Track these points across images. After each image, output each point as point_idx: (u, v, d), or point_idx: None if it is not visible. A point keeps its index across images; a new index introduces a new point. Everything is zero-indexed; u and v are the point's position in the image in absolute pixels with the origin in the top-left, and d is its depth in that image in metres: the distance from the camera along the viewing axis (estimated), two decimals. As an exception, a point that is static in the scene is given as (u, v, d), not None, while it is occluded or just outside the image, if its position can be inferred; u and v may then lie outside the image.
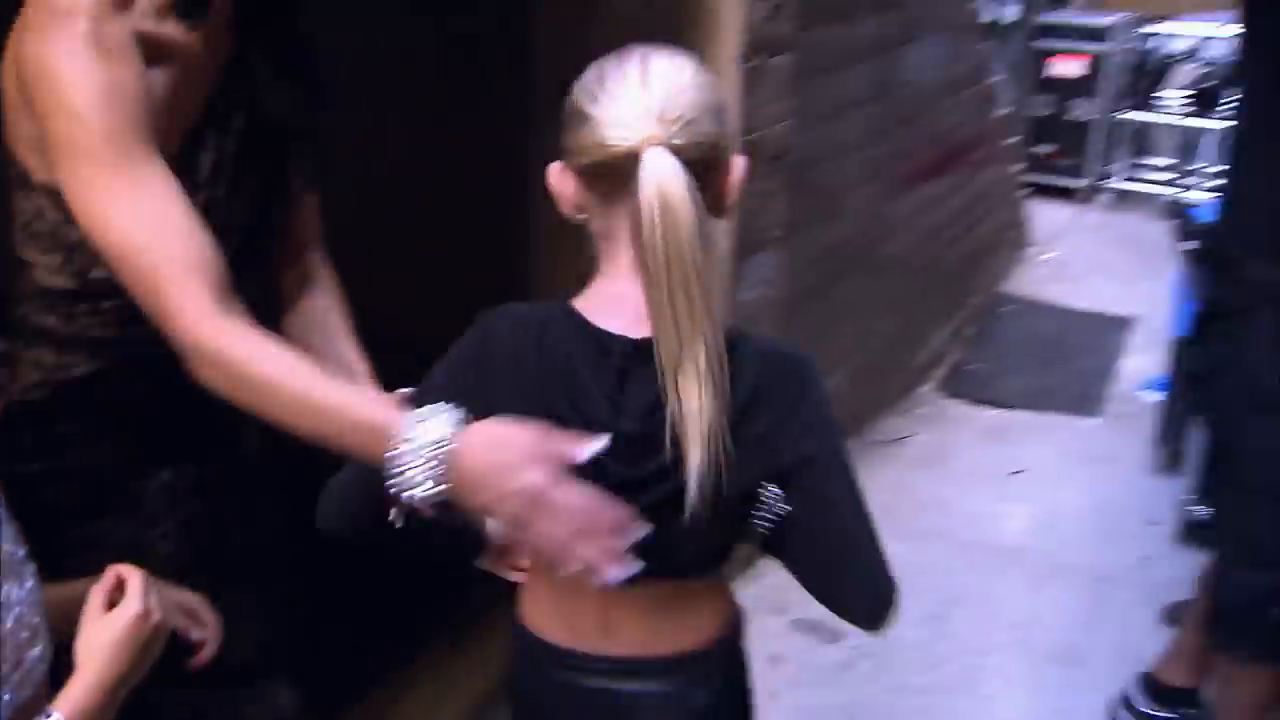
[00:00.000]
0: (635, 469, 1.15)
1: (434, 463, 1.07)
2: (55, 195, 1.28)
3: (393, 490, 1.08)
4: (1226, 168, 2.13)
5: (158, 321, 1.22)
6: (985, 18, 5.17)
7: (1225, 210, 2.11)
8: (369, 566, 1.62)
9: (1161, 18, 7.13)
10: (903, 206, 4.13)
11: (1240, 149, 2.12)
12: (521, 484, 1.05)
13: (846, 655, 2.83)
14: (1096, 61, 6.75)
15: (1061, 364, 4.81)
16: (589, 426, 1.11)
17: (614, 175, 1.10)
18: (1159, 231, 6.45)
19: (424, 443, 1.07)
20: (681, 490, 1.13)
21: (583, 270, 1.25)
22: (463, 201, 3.13)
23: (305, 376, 1.17)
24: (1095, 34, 6.74)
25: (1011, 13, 6.18)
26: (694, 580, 1.28)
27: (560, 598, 1.29)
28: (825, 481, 1.21)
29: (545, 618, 1.31)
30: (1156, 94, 6.96)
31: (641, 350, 1.14)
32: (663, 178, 1.06)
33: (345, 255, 1.66)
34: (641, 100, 1.09)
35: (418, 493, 1.08)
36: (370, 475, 1.11)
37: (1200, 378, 2.16)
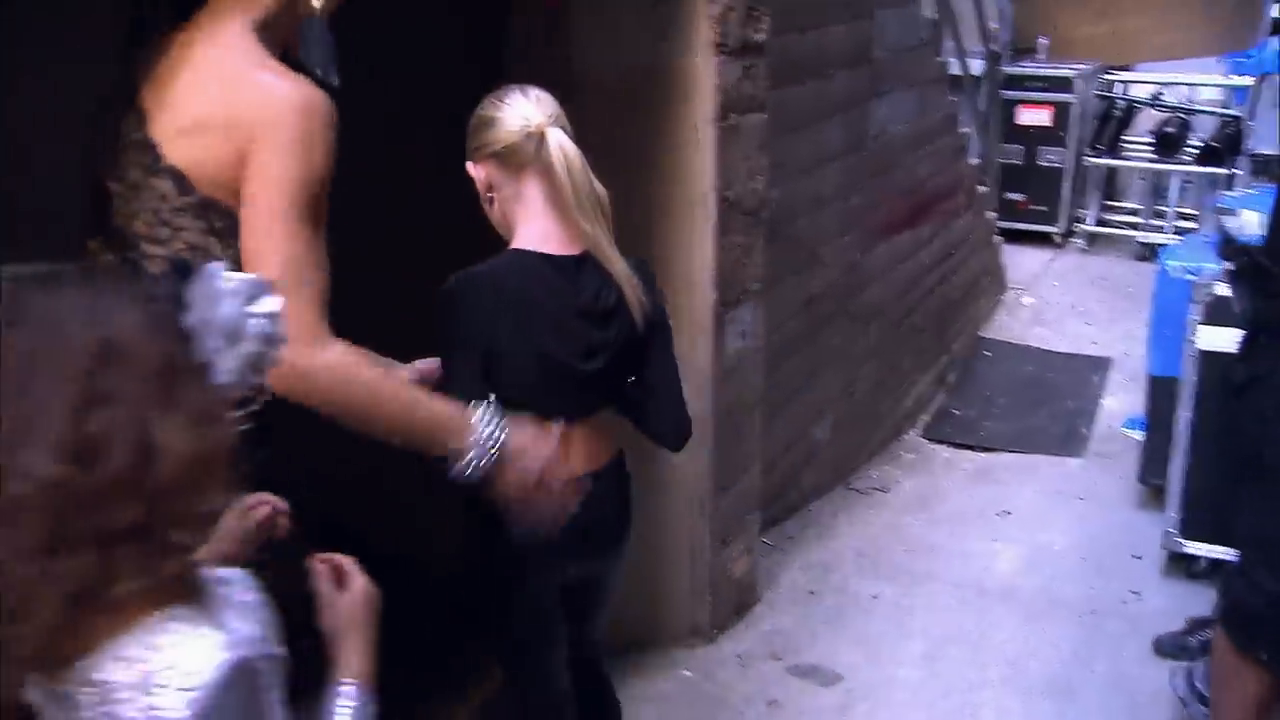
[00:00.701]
0: (604, 331, 1.81)
1: (492, 450, 1.53)
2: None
3: (454, 469, 1.52)
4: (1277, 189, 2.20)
5: None
6: (952, 70, 5.30)
7: (1269, 230, 2.18)
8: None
9: (1123, 66, 7.33)
10: (880, 256, 4.22)
11: None
12: (535, 464, 1.59)
13: (843, 698, 2.84)
14: (1063, 110, 6.93)
15: (1044, 405, 4.89)
16: (568, 309, 1.77)
17: (522, 151, 1.74)
18: (1132, 273, 6.62)
19: (485, 437, 1.52)
20: (625, 340, 1.82)
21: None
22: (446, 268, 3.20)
23: (394, 382, 1.51)
24: (1060, 84, 6.92)
25: (978, 66, 6.33)
26: (611, 409, 1.90)
27: None
28: (666, 345, 1.91)
29: None
30: (1122, 140, 7.14)
31: (577, 261, 1.79)
32: (563, 142, 1.73)
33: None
34: (530, 104, 1.76)
35: (471, 473, 1.53)
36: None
37: (1241, 389, 2.21)
